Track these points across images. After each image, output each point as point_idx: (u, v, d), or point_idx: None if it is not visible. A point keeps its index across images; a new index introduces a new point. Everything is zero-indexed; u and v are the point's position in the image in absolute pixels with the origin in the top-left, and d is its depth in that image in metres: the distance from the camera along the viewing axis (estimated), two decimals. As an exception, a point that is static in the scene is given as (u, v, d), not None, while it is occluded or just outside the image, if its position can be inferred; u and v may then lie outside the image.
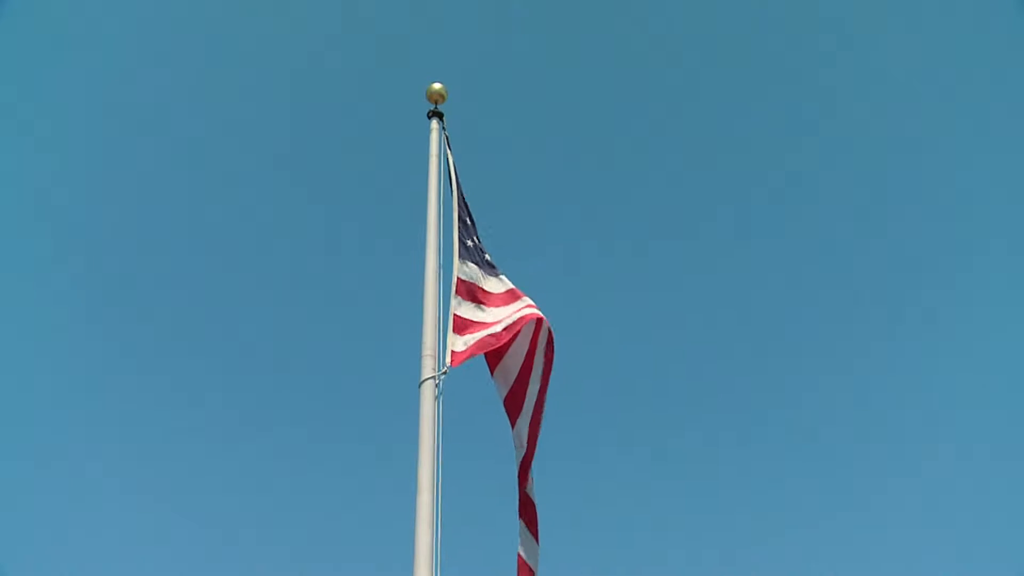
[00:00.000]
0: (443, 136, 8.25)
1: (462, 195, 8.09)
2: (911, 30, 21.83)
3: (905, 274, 22.58)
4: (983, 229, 21.22)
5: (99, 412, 19.73)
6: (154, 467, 19.36)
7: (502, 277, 7.81)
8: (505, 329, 7.25)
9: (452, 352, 6.83)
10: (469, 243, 7.77)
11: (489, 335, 7.14)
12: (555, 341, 7.51)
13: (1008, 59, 19.87)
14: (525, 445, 7.51)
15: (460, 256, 7.51)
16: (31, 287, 20.00)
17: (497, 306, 7.48)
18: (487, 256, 7.98)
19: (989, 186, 21.12)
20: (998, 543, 16.99)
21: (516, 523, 7.40)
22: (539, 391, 7.57)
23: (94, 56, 20.86)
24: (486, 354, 7.38)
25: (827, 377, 22.36)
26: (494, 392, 7.57)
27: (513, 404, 7.61)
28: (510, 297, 7.60)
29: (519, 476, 7.51)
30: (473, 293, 7.47)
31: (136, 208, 21.82)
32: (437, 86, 8.39)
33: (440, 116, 8.31)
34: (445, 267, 7.38)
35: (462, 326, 7.10)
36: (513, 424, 7.60)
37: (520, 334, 7.41)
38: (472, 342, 7.01)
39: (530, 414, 7.53)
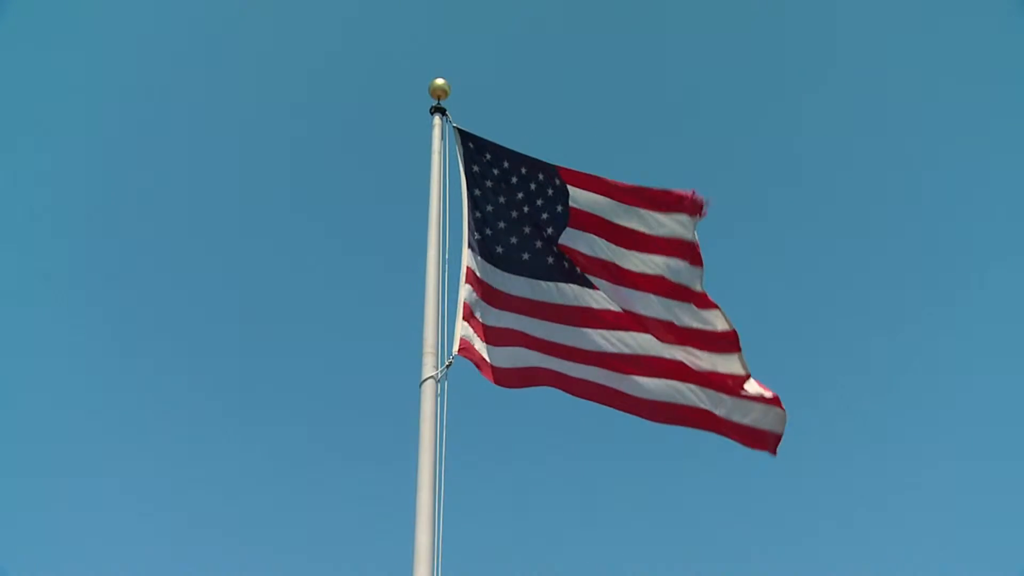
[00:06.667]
0: (448, 131, 8.17)
1: (486, 171, 7.98)
2: (910, 29, 21.83)
3: (905, 275, 22.56)
4: (983, 228, 21.21)
5: (99, 412, 19.70)
6: (153, 467, 19.35)
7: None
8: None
9: (460, 339, 6.83)
10: (478, 236, 7.66)
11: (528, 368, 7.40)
12: None
13: (1008, 59, 19.85)
14: None
15: (470, 246, 7.45)
16: (31, 287, 19.96)
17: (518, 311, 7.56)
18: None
19: (990, 185, 21.11)
20: (998, 543, 16.96)
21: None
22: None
23: (94, 56, 20.83)
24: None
25: (826, 378, 22.34)
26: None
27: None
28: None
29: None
30: (481, 287, 7.42)
31: (137, 205, 21.80)
32: (440, 82, 8.32)
33: (443, 112, 8.25)
34: (451, 263, 7.31)
35: (469, 313, 7.13)
36: None
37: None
38: (483, 350, 7.08)
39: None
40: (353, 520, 19.70)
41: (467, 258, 7.36)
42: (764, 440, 7.34)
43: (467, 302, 7.12)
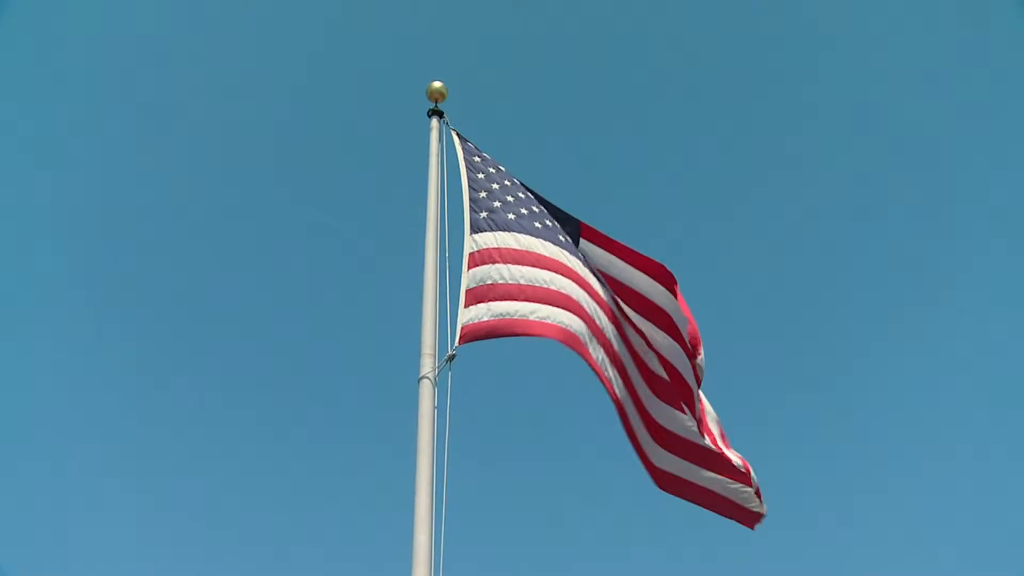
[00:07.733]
0: (446, 132, 8.20)
1: (487, 168, 7.99)
2: (911, 30, 21.84)
3: (905, 274, 22.58)
4: (983, 228, 21.23)
5: (99, 411, 19.75)
6: (152, 466, 19.39)
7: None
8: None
9: (462, 327, 6.57)
10: (484, 214, 7.50)
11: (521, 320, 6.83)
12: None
13: (1008, 59, 19.87)
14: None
15: (474, 230, 7.26)
16: (32, 287, 20.00)
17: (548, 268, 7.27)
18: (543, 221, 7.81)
19: (990, 185, 21.13)
20: (999, 543, 16.98)
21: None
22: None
23: (93, 55, 20.86)
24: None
25: (826, 377, 22.36)
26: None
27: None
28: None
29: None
30: (492, 256, 7.14)
31: (137, 206, 21.83)
32: (437, 84, 8.37)
33: (440, 114, 8.29)
34: (451, 264, 7.27)
35: (475, 297, 6.82)
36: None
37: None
38: (492, 314, 6.72)
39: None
40: (353, 520, 19.75)
41: (469, 244, 7.15)
42: (746, 516, 7.93)
43: (470, 290, 6.83)
